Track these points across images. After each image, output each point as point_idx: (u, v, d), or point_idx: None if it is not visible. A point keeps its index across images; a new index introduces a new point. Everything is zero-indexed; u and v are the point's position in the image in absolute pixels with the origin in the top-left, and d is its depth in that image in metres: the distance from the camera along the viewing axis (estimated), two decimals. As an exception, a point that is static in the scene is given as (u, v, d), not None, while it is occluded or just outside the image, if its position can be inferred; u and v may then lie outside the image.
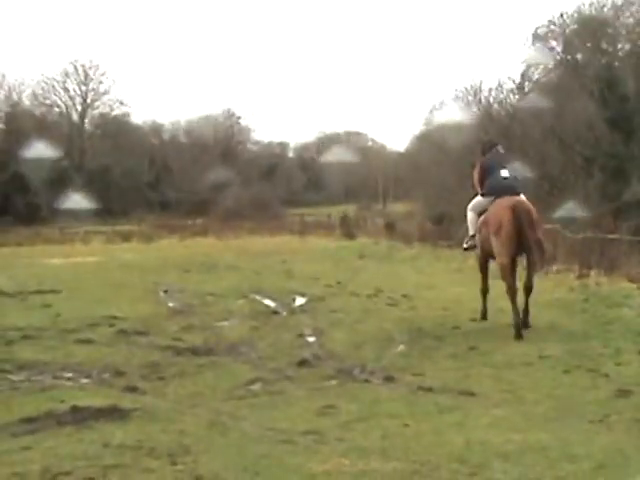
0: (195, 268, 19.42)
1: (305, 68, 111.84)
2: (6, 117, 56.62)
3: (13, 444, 5.81)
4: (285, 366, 8.61)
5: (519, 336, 9.83)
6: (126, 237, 34.05)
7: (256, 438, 5.97)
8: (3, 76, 56.18)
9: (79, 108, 64.33)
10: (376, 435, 5.98)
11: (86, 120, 65.23)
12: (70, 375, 8.23)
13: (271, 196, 55.43)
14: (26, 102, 59.65)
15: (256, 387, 7.75)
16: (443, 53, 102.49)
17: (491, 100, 36.66)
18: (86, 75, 63.56)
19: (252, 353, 9.40)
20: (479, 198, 11.11)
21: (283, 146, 77.29)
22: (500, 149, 11.45)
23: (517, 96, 36.07)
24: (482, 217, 10.87)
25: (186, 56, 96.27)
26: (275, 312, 12.57)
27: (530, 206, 10.32)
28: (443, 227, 27.13)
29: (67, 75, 63.21)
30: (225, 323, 11.57)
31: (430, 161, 38.20)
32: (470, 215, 11.24)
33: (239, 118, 71.67)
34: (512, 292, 10.21)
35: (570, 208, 22.72)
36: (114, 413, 6.60)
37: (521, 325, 10.06)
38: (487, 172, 11.01)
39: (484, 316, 11.27)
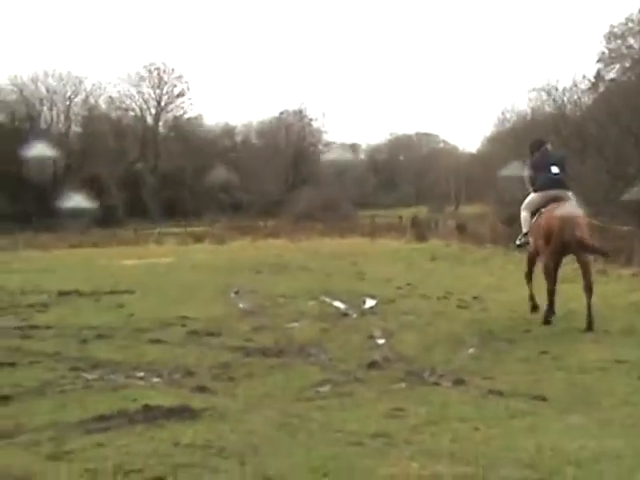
0: (266, 269, 19.54)
1: (377, 69, 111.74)
2: (83, 120, 57.69)
3: (87, 441, 5.91)
4: (354, 368, 8.58)
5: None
6: (199, 238, 34.42)
7: (325, 440, 5.96)
8: (81, 81, 57.14)
9: (153, 111, 65.34)
10: (445, 439, 5.92)
11: (160, 123, 66.19)
12: (142, 374, 8.32)
13: (342, 198, 55.48)
14: (102, 106, 60.71)
15: (325, 389, 7.73)
16: (516, 52, 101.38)
17: (565, 100, 36.06)
18: (160, 79, 64.58)
19: (322, 355, 9.39)
20: (532, 196, 11.46)
21: (355, 148, 77.37)
22: (549, 147, 11.89)
23: (592, 95, 35.38)
24: (535, 218, 11.28)
25: (258, 58, 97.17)
26: (345, 314, 12.56)
27: (579, 214, 10.83)
28: (515, 228, 26.77)
29: (142, 79, 64.31)
30: (295, 324, 11.58)
31: (502, 162, 37.75)
32: (523, 214, 11.62)
33: (311, 120, 71.98)
34: (551, 292, 10.98)
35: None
36: (184, 413, 6.66)
37: (588, 326, 10.35)
38: (537, 170, 11.41)
39: (534, 306, 11.67)
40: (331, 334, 10.72)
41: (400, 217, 42.46)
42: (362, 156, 78.15)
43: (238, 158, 66.11)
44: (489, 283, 15.78)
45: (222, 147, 68.14)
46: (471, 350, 9.49)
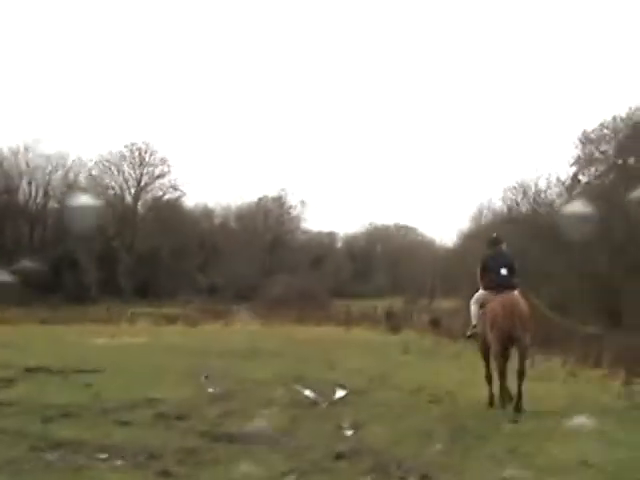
0: (239, 354, 19.41)
1: (358, 159, 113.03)
2: (62, 196, 57.71)
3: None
4: (321, 458, 8.49)
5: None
6: (172, 320, 34.19)
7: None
8: (63, 156, 57.42)
9: (132, 191, 65.49)
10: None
11: (139, 202, 66.31)
12: (105, 456, 8.19)
13: (318, 285, 55.50)
14: (82, 182, 60.81)
15: (291, 479, 7.64)
16: (494, 148, 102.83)
17: (539, 201, 36.63)
18: (142, 159, 64.86)
19: (290, 443, 9.30)
20: (481, 291, 12.39)
21: (332, 236, 77.74)
22: (504, 247, 12.66)
23: (566, 196, 35.95)
24: (482, 310, 12.16)
25: (240, 143, 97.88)
26: (315, 403, 12.46)
27: (521, 303, 11.58)
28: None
29: (123, 158, 64.56)
30: (265, 411, 11.46)
31: (477, 258, 38.04)
32: (473, 307, 12.46)
33: (290, 207, 72.41)
34: (501, 374, 11.77)
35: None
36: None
37: (515, 408, 11.22)
38: (488, 269, 12.30)
39: (491, 402, 12.18)
40: (300, 422, 10.63)
41: (375, 308, 42.43)
42: (339, 244, 78.55)
43: (216, 240, 66.21)
44: (461, 378, 15.69)
45: (200, 229, 68.27)
46: (439, 445, 9.40)
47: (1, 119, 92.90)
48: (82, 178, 61.04)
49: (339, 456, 8.55)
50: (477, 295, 12.44)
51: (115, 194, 65.21)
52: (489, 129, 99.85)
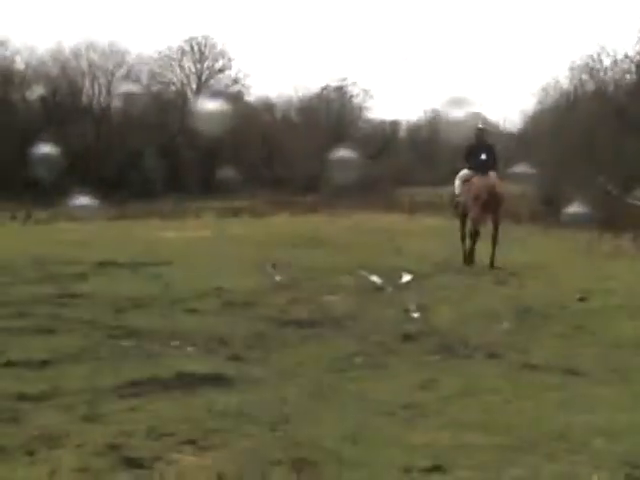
0: (303, 244, 19.52)
1: (419, 43, 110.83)
2: (125, 95, 57.81)
3: (121, 405, 6.02)
4: (388, 340, 8.60)
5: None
6: (237, 212, 34.39)
7: (356, 409, 6.00)
8: (123, 55, 57.26)
9: (194, 86, 65.35)
10: (477, 410, 5.94)
11: (200, 97, 66.17)
12: (177, 343, 8.40)
13: (382, 174, 55.31)
14: (144, 80, 60.73)
15: (359, 360, 7.76)
16: (559, 24, 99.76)
17: (607, 79, 35.49)
18: (201, 53, 64.50)
19: (356, 327, 9.43)
20: (465, 171, 15.55)
21: (395, 125, 76.92)
22: (484, 136, 15.96)
23: (635, 75, 34.78)
24: (466, 185, 15.31)
25: (300, 33, 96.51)
26: (381, 288, 12.56)
27: (497, 182, 15.07)
28: (554, 207, 26.56)
29: (183, 53, 64.25)
30: (331, 297, 11.60)
31: (543, 141, 37.36)
32: (457, 182, 15.66)
33: (352, 96, 71.63)
34: (474, 234, 15.00)
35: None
36: (218, 380, 6.74)
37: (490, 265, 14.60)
38: (472, 154, 15.49)
39: (466, 260, 15.12)
40: (366, 307, 10.74)
41: (440, 195, 42.18)
42: (402, 134, 77.80)
43: (278, 133, 66.07)
44: (527, 260, 15.65)
45: (262, 122, 68.08)
46: (506, 324, 9.46)
47: (60, 18, 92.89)
48: (144, 76, 60.90)
49: (406, 337, 8.66)
50: (461, 173, 15.63)
51: (177, 90, 65.14)
52: (553, 3, 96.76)
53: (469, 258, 15.09)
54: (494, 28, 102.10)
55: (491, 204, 14.71)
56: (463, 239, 15.47)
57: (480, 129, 15.95)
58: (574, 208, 19.23)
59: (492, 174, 15.01)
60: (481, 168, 15.12)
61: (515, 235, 22.35)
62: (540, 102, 45.28)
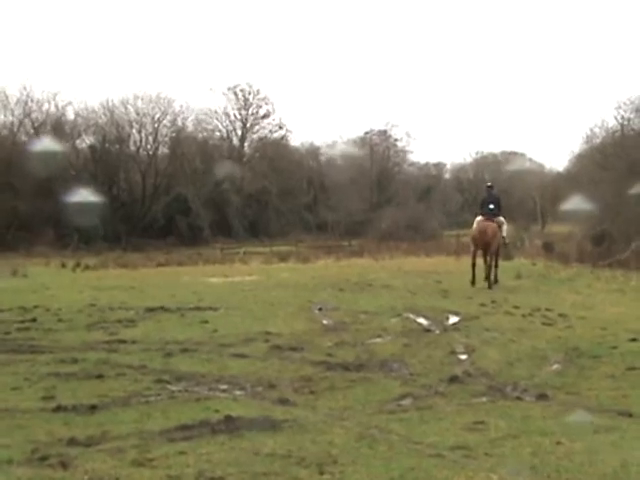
0: (349, 287, 19.57)
1: (463, 87, 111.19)
2: (171, 142, 58.64)
3: (169, 449, 6.05)
4: (436, 382, 8.56)
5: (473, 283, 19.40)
6: (283, 257, 34.59)
7: (404, 451, 5.97)
8: (169, 102, 58.14)
9: (239, 132, 66.13)
10: (526, 452, 5.88)
11: (245, 144, 66.94)
12: (225, 387, 8.44)
13: (427, 217, 55.29)
14: (190, 127, 61.62)
15: (406, 402, 7.73)
16: (604, 66, 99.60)
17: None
18: (246, 100, 65.34)
19: (403, 369, 9.39)
20: (479, 217, 20.05)
21: (440, 167, 77.05)
22: (494, 191, 21.02)
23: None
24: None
25: (343, 79, 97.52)
26: (428, 330, 12.50)
27: (492, 226, 19.69)
28: (603, 247, 26.37)
29: (228, 100, 65.17)
30: (377, 340, 11.57)
31: (591, 180, 37.13)
32: (474, 225, 20.11)
33: (396, 140, 71.92)
34: (473, 264, 19.50)
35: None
36: (266, 424, 6.76)
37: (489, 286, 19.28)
38: (483, 204, 20.24)
39: (473, 282, 19.37)
40: (413, 349, 10.70)
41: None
42: (447, 175, 77.79)
43: (323, 178, 66.42)
44: (575, 301, 15.54)
45: (307, 167, 68.54)
46: (555, 366, 9.38)
47: (110, 71, 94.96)
48: (189, 123, 61.78)
49: (453, 379, 8.61)
50: (477, 219, 20.09)
51: (222, 137, 65.96)
52: (600, 45, 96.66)
53: (472, 280, 19.36)
54: (534, 68, 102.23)
55: (479, 241, 19.66)
56: (473, 268, 19.63)
57: (489, 186, 21.32)
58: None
59: (498, 219, 20.18)
60: (489, 215, 19.94)
61: (562, 275, 22.22)
62: (587, 140, 45.12)
